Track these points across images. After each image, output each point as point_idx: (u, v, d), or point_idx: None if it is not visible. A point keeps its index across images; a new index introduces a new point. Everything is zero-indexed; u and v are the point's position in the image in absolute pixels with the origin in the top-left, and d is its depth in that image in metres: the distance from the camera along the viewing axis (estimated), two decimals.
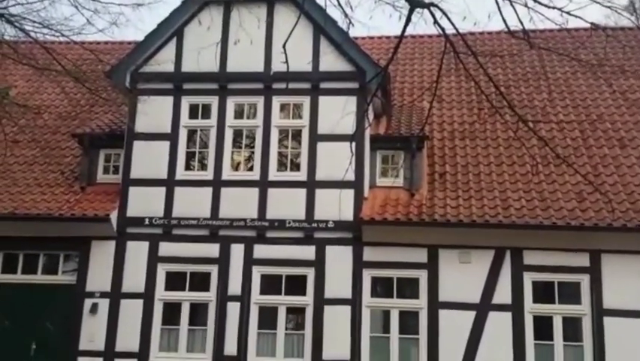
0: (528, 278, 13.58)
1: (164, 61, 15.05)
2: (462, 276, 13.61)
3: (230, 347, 13.88)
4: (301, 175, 14.50)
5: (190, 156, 15.09)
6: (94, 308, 14.32)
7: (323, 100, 14.71)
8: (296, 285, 14.12)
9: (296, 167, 14.69)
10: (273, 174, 14.60)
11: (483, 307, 13.45)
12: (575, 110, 16.77)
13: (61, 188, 15.49)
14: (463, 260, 13.71)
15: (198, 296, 14.34)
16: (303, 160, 14.58)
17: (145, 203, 14.68)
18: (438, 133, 16.30)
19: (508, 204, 13.85)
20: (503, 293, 13.48)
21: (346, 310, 13.75)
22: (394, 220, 13.68)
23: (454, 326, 13.42)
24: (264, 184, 14.51)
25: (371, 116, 15.15)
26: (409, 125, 15.38)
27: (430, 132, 16.10)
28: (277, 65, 14.35)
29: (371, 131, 14.79)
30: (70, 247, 14.80)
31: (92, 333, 14.22)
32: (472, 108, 17.06)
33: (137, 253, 14.53)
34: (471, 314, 13.42)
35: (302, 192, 14.33)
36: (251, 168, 14.82)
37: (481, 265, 13.62)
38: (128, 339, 14.15)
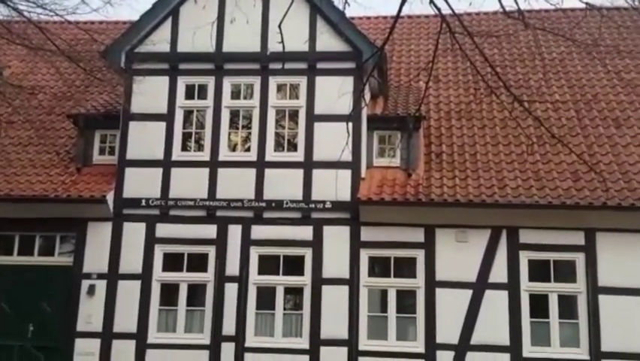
0: (524, 257, 13.75)
1: (159, 41, 15.05)
2: (458, 255, 13.74)
3: (229, 328, 14.02)
4: (298, 156, 14.57)
5: (186, 136, 15.13)
6: (91, 290, 14.43)
7: (320, 80, 14.78)
8: (294, 265, 14.23)
9: (293, 147, 14.75)
10: (270, 155, 14.67)
11: (479, 286, 13.60)
12: (570, 90, 16.89)
13: (56, 169, 15.56)
14: (460, 239, 13.84)
15: (196, 277, 14.44)
16: (300, 141, 14.65)
17: (141, 184, 14.74)
18: (434, 113, 16.38)
19: (505, 184, 13.99)
20: (499, 272, 13.64)
21: (344, 289, 13.90)
22: (391, 200, 13.77)
23: (451, 305, 13.58)
24: (261, 165, 14.58)
25: (368, 96, 15.22)
26: (406, 105, 15.45)
27: (427, 112, 16.15)
28: (274, 45, 14.11)
29: (368, 112, 14.89)
30: (66, 229, 14.88)
31: (89, 314, 14.34)
32: (468, 88, 17.15)
33: (134, 234, 14.61)
34: (468, 293, 13.57)
35: (299, 173, 14.42)
36: (248, 149, 14.88)
37: (477, 244, 13.75)
38: (125, 320, 14.27)
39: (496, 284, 13.63)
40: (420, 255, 13.97)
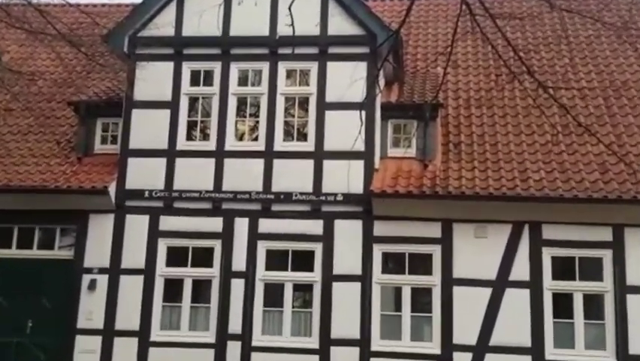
0: (547, 254, 13.52)
1: (163, 24, 14.85)
2: (477, 251, 13.58)
3: (235, 326, 13.93)
4: (308, 145, 14.43)
5: (192, 125, 15.02)
6: (92, 285, 14.33)
7: (331, 66, 14.58)
8: (303, 261, 14.14)
9: (303, 137, 14.65)
10: (279, 145, 14.54)
11: (499, 284, 13.43)
12: (598, 75, 16.55)
13: (56, 159, 15.42)
14: (479, 235, 13.69)
15: (201, 272, 14.36)
16: (311, 129, 14.52)
17: (145, 175, 14.64)
18: (453, 100, 16.17)
19: (527, 176, 13.75)
20: (521, 269, 13.45)
21: (356, 287, 13.76)
22: (406, 193, 13.63)
23: (469, 304, 13.42)
24: (269, 155, 14.45)
25: (382, 82, 15.03)
26: (423, 92, 15.28)
27: (445, 100, 15.96)
28: (283, 29, 13.94)
29: (382, 99, 14.70)
30: (66, 221, 14.77)
31: (90, 310, 14.24)
32: (489, 74, 16.92)
33: (137, 227, 14.52)
34: (487, 291, 13.41)
35: (309, 164, 14.28)
36: (256, 138, 14.77)
37: (497, 239, 13.58)
38: (127, 317, 14.19)
39: (518, 282, 13.43)
40: (436, 251, 13.81)
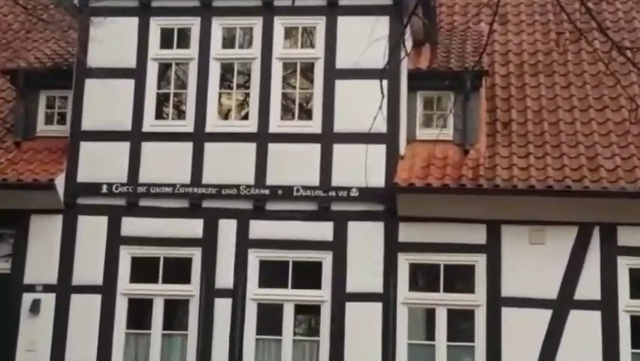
0: (624, 264, 13.61)
1: None
2: (533, 262, 13.62)
3: (220, 358, 13.97)
4: (314, 125, 14.49)
5: (162, 99, 15.03)
6: (35, 306, 14.38)
7: (343, 22, 14.63)
8: (307, 275, 14.22)
9: (306, 114, 14.69)
10: (276, 125, 14.58)
11: (562, 305, 13.49)
12: None
13: None
14: (535, 240, 13.74)
15: (175, 290, 14.44)
16: (317, 105, 14.54)
17: (102, 164, 14.69)
18: (501, 67, 16.20)
19: (598, 165, 13.79)
20: (590, 285, 13.53)
21: (376, 308, 13.82)
22: (441, 187, 13.66)
23: (523, 330, 13.44)
24: (263, 138, 14.49)
25: (409, 43, 14.95)
26: (462, 55, 15.28)
27: (491, 66, 15.99)
28: None
29: (409, 65, 14.70)
30: (2, 225, 14.83)
31: (32, 340, 14.31)
32: (547, 32, 16.95)
33: (93, 231, 14.59)
34: (545, 314, 13.47)
35: (315, 149, 14.34)
36: (245, 117, 14.81)
37: (559, 247, 13.63)
38: (81, 348, 14.24)
39: (585, 302, 13.52)
40: (480, 261, 13.88)
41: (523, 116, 15.03)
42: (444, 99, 14.89)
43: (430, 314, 13.99)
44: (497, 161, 14.11)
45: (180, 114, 14.99)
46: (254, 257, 14.32)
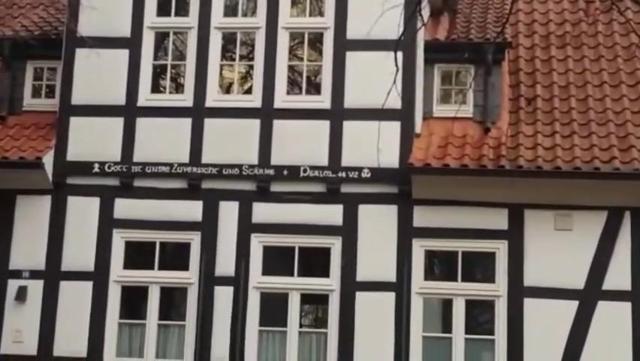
0: None
1: None
2: (559, 249, 13.64)
3: (220, 352, 14.03)
4: (323, 101, 14.50)
5: (159, 71, 15.05)
6: (21, 294, 14.44)
7: None
8: (315, 262, 14.27)
9: (315, 88, 14.73)
10: (281, 99, 14.59)
11: (589, 295, 13.51)
12: None
13: None
14: (561, 226, 13.76)
15: (173, 277, 14.48)
16: (326, 78, 14.55)
17: (93, 141, 14.73)
18: (526, 38, 16.17)
19: (629, 144, 13.78)
20: (620, 275, 13.54)
21: (389, 298, 13.86)
22: (460, 168, 13.67)
23: (547, 322, 13.48)
24: (267, 114, 14.50)
25: (426, 12, 14.91)
26: (483, 25, 15.25)
27: (514, 37, 15.96)
28: None
29: (426, 36, 14.67)
30: None
31: (18, 330, 14.40)
32: (576, 1, 16.89)
33: (83, 213, 14.62)
34: (571, 305, 13.49)
35: (324, 126, 14.35)
36: (249, 91, 14.84)
37: (587, 233, 13.66)
38: (71, 339, 14.30)
39: (615, 293, 13.54)
40: (501, 248, 13.90)
41: (548, 91, 15.00)
42: (463, 73, 14.90)
43: (446, 305, 14.04)
44: (520, 140, 14.08)
45: (178, 88, 15.02)
46: (257, 242, 14.36)
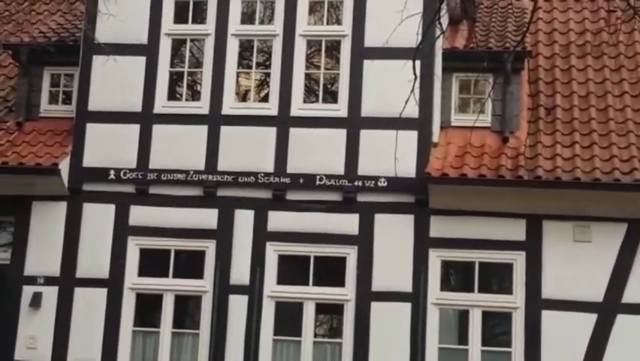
0: None
1: None
2: (577, 261, 13.61)
3: (234, 360, 14.03)
4: (339, 109, 14.50)
5: (176, 78, 15.09)
6: (36, 300, 14.45)
7: None
8: (330, 271, 14.23)
9: (332, 97, 14.71)
10: (298, 107, 14.59)
11: (608, 308, 13.45)
12: None
13: None
14: (580, 238, 13.71)
15: (187, 286, 14.50)
16: (343, 87, 14.54)
17: (110, 148, 14.76)
18: (545, 47, 16.16)
19: None
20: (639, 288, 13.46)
21: (404, 309, 13.82)
22: (477, 178, 13.65)
23: (564, 335, 13.40)
24: (284, 122, 14.50)
25: (445, 20, 14.87)
26: (502, 34, 15.24)
27: (534, 46, 15.92)
28: None
29: (445, 44, 14.64)
30: (1, 211, 14.97)
31: (32, 336, 14.41)
32: (597, 10, 16.92)
33: (99, 220, 14.66)
34: (590, 318, 13.44)
35: (340, 135, 14.34)
36: (265, 98, 14.86)
37: (606, 244, 13.60)
38: (85, 345, 14.32)
39: (634, 306, 13.45)
40: (519, 260, 13.86)
41: (568, 101, 14.96)
42: (482, 82, 14.81)
43: (463, 316, 14.00)
44: (539, 150, 14.04)
45: (195, 95, 15.03)
46: (272, 251, 14.36)
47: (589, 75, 15.44)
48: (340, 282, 14.14)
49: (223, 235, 14.41)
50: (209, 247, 14.45)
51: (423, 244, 13.99)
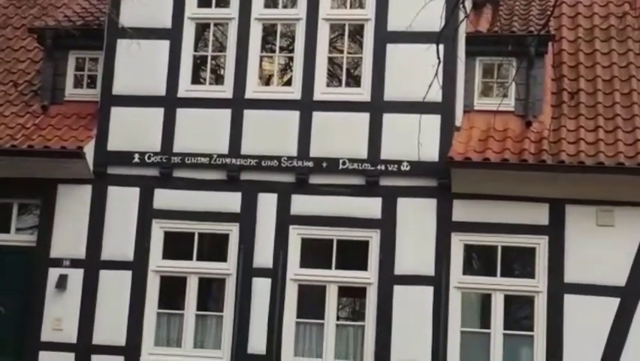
0: None
1: None
2: (600, 245, 13.55)
3: (257, 343, 14.08)
4: (362, 93, 14.46)
5: (199, 62, 15.09)
6: (62, 282, 14.53)
7: None
8: (353, 255, 14.24)
9: (355, 81, 14.69)
10: (321, 91, 14.57)
11: (631, 293, 13.40)
12: None
13: (13, 107, 15.62)
14: (603, 222, 13.67)
15: (211, 268, 14.56)
16: (366, 71, 14.50)
17: (134, 131, 14.80)
18: (569, 31, 16.02)
19: None
20: None
21: (427, 292, 13.82)
22: (500, 162, 13.60)
23: (587, 319, 13.38)
24: (307, 106, 14.48)
25: (469, 4, 14.80)
26: (526, 18, 15.14)
27: (558, 30, 15.81)
28: None
29: (468, 28, 14.55)
30: (27, 194, 15.06)
31: (58, 318, 14.51)
32: None
33: (123, 203, 14.72)
34: (613, 302, 13.39)
35: (363, 119, 14.31)
36: (288, 82, 14.86)
37: (629, 229, 13.56)
38: (110, 328, 14.41)
39: None
40: (542, 244, 13.81)
41: (592, 85, 14.87)
42: (505, 66, 14.77)
43: (485, 300, 13.98)
44: (563, 134, 13.97)
45: (218, 79, 15.03)
46: (295, 234, 14.37)
47: (613, 59, 15.31)
48: (363, 265, 14.14)
49: (246, 218, 14.44)
50: (233, 231, 14.48)
51: (445, 228, 13.98)
